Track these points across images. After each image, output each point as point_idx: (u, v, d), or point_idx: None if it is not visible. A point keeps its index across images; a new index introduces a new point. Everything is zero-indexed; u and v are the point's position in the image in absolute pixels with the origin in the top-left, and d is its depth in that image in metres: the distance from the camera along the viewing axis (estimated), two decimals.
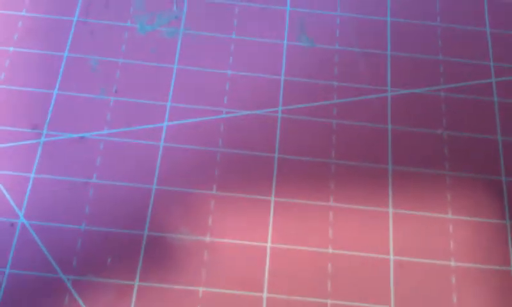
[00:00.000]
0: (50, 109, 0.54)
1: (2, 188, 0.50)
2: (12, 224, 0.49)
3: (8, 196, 0.50)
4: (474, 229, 0.53)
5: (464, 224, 0.53)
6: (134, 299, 0.47)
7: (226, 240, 0.50)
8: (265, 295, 0.48)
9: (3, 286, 0.47)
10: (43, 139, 0.53)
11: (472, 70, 0.60)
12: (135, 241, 0.49)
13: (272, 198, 0.52)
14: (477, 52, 0.61)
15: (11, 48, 0.57)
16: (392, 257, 0.51)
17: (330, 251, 0.51)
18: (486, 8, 0.64)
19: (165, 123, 0.55)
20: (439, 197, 0.54)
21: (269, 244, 0.50)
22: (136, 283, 0.48)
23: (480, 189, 0.54)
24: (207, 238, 0.50)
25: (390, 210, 0.53)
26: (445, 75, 0.60)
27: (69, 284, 0.47)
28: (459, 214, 0.53)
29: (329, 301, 0.49)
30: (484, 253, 0.52)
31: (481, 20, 0.63)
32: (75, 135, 0.53)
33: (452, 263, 0.51)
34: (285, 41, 0.60)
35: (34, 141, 0.53)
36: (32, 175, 0.51)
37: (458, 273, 0.51)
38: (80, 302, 0.47)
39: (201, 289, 0.48)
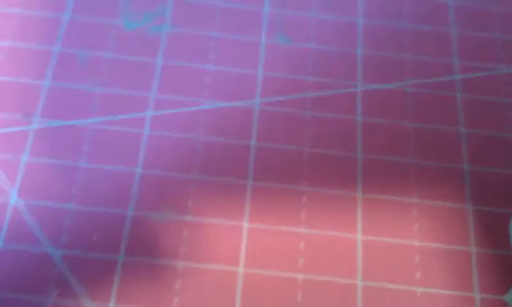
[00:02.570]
0: (42, 98, 0.58)
1: None
2: (4, 203, 0.52)
3: (2, 177, 0.53)
4: (437, 213, 0.57)
5: (427, 208, 0.57)
6: (118, 272, 0.51)
7: (205, 220, 0.54)
8: (241, 269, 0.52)
9: None
10: (34, 125, 0.56)
11: (436, 68, 0.65)
12: (120, 220, 0.53)
13: (249, 182, 0.56)
14: (441, 50, 0.66)
15: (6, 42, 0.61)
16: (359, 236, 0.55)
17: (302, 230, 0.54)
18: (450, 9, 0.69)
19: (149, 113, 0.58)
20: (404, 183, 0.58)
21: (245, 224, 0.54)
22: (120, 257, 0.51)
23: (443, 176, 0.59)
24: (187, 218, 0.54)
25: (359, 195, 0.57)
26: (411, 72, 0.64)
27: (58, 259, 0.50)
28: (424, 199, 0.57)
29: (300, 276, 0.52)
30: (446, 235, 0.56)
31: (447, 22, 0.68)
32: (64, 123, 0.57)
33: (416, 243, 0.55)
34: (263, 39, 0.64)
35: (26, 128, 0.56)
36: (24, 158, 0.55)
37: (421, 252, 0.55)
38: (69, 274, 0.50)
39: (180, 263, 0.52)
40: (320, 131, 0.60)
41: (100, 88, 0.59)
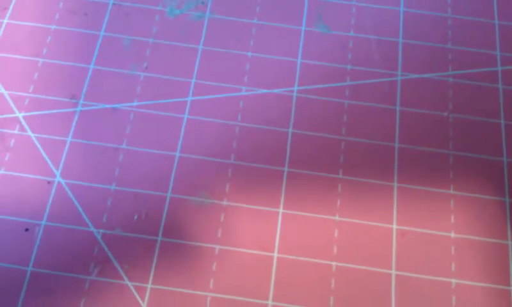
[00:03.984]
0: (87, 81, 0.60)
1: (42, 150, 0.56)
2: (49, 182, 0.54)
3: (46, 157, 0.55)
4: (474, 205, 0.56)
5: (465, 200, 0.56)
6: (156, 253, 0.52)
7: (241, 205, 0.55)
8: (275, 254, 0.53)
9: (39, 237, 0.52)
10: (79, 108, 0.58)
11: (479, 59, 0.63)
12: (159, 202, 0.54)
13: (286, 169, 0.57)
14: (484, 41, 0.64)
15: (53, 27, 0.63)
16: (394, 226, 0.55)
17: (337, 218, 0.55)
18: (495, 1, 0.67)
19: (189, 98, 0.59)
20: (442, 174, 0.57)
21: (280, 210, 0.55)
22: (159, 238, 0.53)
23: (482, 169, 0.58)
24: (224, 202, 0.55)
25: (395, 185, 0.57)
26: (453, 63, 0.63)
27: (99, 237, 0.52)
28: (461, 191, 0.56)
29: (334, 263, 0.53)
30: (483, 228, 0.55)
31: (490, 13, 0.66)
32: (108, 106, 0.59)
33: (452, 235, 0.55)
34: (303, 27, 0.64)
35: (71, 110, 0.58)
36: (69, 139, 0.57)
37: (457, 244, 0.54)
38: (109, 253, 0.52)
39: (217, 247, 0.53)
40: (358, 119, 0.59)
41: (143, 72, 0.61)
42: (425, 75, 0.62)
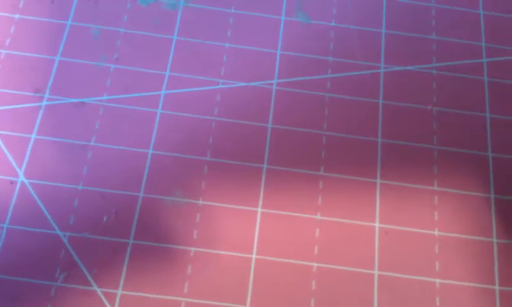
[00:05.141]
0: (53, 74, 0.56)
1: (4, 147, 0.53)
2: (12, 182, 0.51)
3: (8, 155, 0.52)
4: (458, 202, 0.54)
5: (449, 196, 0.54)
6: (127, 256, 0.49)
7: (218, 204, 0.52)
8: (254, 256, 0.50)
9: (2, 240, 0.49)
10: (44, 102, 0.55)
11: (463, 50, 0.62)
12: (131, 202, 0.51)
13: (265, 166, 0.54)
14: (469, 32, 0.63)
15: (17, 16, 0.59)
16: (377, 225, 0.53)
17: (319, 217, 0.53)
18: None
19: (163, 91, 0.57)
20: (426, 170, 0.56)
21: (259, 209, 0.52)
22: (130, 241, 0.50)
23: (467, 164, 0.56)
24: (200, 202, 0.52)
25: (378, 181, 0.55)
26: (437, 54, 0.61)
27: (65, 241, 0.49)
28: (445, 187, 0.55)
29: (315, 264, 0.51)
30: (468, 225, 0.53)
31: (475, 3, 0.64)
32: (75, 100, 0.55)
33: (436, 233, 0.53)
34: (283, 17, 0.62)
35: (36, 104, 0.55)
36: (33, 136, 0.53)
37: (442, 242, 0.53)
38: (76, 257, 0.49)
39: (193, 249, 0.50)
40: (340, 113, 0.57)
41: (113, 64, 0.58)
42: (409, 67, 0.60)
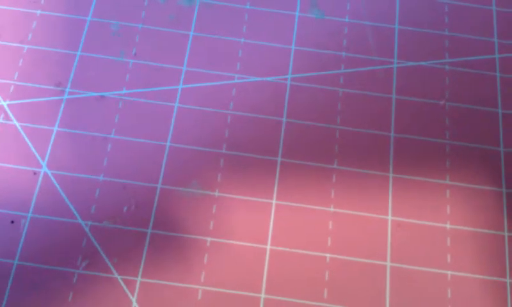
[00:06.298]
0: (74, 68, 0.58)
1: (27, 139, 0.54)
2: (35, 173, 0.53)
3: (32, 147, 0.54)
4: (470, 196, 0.55)
5: (461, 190, 0.55)
6: (146, 245, 0.51)
7: (233, 196, 0.53)
8: (268, 247, 0.52)
9: (25, 230, 0.50)
10: (66, 96, 0.56)
11: (476, 46, 0.62)
12: (149, 193, 0.53)
13: (279, 159, 0.55)
14: (482, 28, 0.63)
15: (38, 12, 0.61)
16: (390, 217, 0.54)
17: (332, 209, 0.54)
18: None
19: (180, 86, 0.58)
20: (438, 164, 0.56)
21: (274, 201, 0.54)
22: (149, 230, 0.51)
23: (479, 158, 0.57)
24: (216, 193, 0.53)
25: (391, 175, 0.56)
26: (450, 50, 0.62)
27: (87, 230, 0.51)
28: (457, 181, 0.56)
29: (328, 255, 0.52)
30: (479, 219, 0.54)
31: None
32: (96, 94, 0.57)
33: (448, 226, 0.54)
34: (297, 13, 0.63)
35: (57, 98, 0.56)
36: (55, 128, 0.55)
37: (453, 235, 0.53)
38: (97, 246, 0.50)
39: (209, 239, 0.52)
40: (353, 108, 0.58)
41: (132, 59, 0.59)
42: (422, 63, 0.61)
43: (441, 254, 0.52)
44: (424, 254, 0.52)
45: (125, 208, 0.52)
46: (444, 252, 0.53)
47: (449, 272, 0.52)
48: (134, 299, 0.49)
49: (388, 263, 0.52)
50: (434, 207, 0.54)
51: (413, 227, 0.53)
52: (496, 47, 0.62)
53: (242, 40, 0.61)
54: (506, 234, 0.54)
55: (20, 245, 0.50)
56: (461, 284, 0.51)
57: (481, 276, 0.52)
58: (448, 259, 0.52)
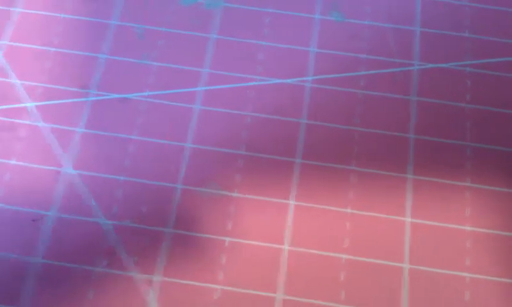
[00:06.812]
0: (98, 71, 0.60)
1: (54, 139, 0.56)
2: (60, 173, 0.54)
3: (58, 147, 0.56)
4: (490, 198, 0.55)
5: (481, 192, 0.55)
6: (166, 245, 0.52)
7: (252, 196, 0.54)
8: (286, 247, 0.52)
9: (50, 228, 0.52)
10: (91, 98, 0.58)
11: (497, 48, 0.62)
12: (169, 193, 0.54)
13: (298, 160, 0.56)
14: (503, 30, 0.63)
15: (64, 15, 0.63)
16: (408, 219, 0.54)
17: (349, 210, 0.54)
18: None
19: (201, 88, 0.59)
20: (458, 166, 0.56)
21: (292, 202, 0.54)
22: (169, 230, 0.52)
23: (500, 160, 0.56)
24: (235, 194, 0.54)
25: (409, 176, 0.56)
26: (471, 52, 0.62)
27: (109, 229, 0.52)
28: (477, 183, 0.55)
29: (344, 256, 0.52)
30: (499, 221, 0.54)
31: (509, 1, 0.65)
32: (119, 96, 0.58)
33: (467, 228, 0.53)
34: (317, 16, 0.63)
35: (83, 99, 0.58)
36: (80, 130, 0.57)
37: (472, 237, 0.53)
38: (118, 245, 0.52)
39: (227, 239, 0.52)
40: (373, 110, 0.58)
41: (155, 62, 0.60)
42: (442, 65, 0.61)
43: (460, 257, 0.52)
44: (443, 256, 0.52)
45: (146, 208, 0.53)
46: (463, 254, 0.52)
47: (467, 275, 0.51)
48: (153, 297, 0.50)
49: (406, 265, 0.52)
50: (453, 209, 0.54)
51: (432, 229, 0.53)
52: None
53: (264, 43, 0.62)
54: None
55: (44, 244, 0.52)
56: (480, 287, 0.51)
57: (500, 279, 0.51)
58: (467, 262, 0.52)
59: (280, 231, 0.53)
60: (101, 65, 0.60)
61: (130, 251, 0.51)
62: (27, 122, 0.57)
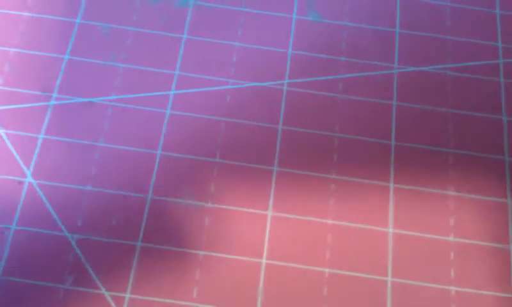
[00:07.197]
0: (61, 73, 0.56)
1: (12, 148, 0.52)
2: (20, 183, 0.50)
3: (16, 156, 0.52)
4: (475, 206, 0.53)
5: (464, 201, 0.53)
6: (135, 259, 0.49)
7: (227, 207, 0.51)
8: (264, 261, 0.50)
9: (9, 242, 0.48)
10: (52, 102, 0.54)
11: (479, 51, 0.60)
12: (139, 204, 0.51)
13: (275, 168, 0.53)
14: (485, 33, 0.61)
15: (26, 13, 0.59)
16: (391, 230, 0.52)
17: (330, 221, 0.52)
18: None
19: (172, 91, 0.56)
20: (441, 173, 0.54)
21: (269, 212, 0.51)
22: (138, 243, 0.49)
23: (483, 168, 0.55)
24: (209, 204, 0.51)
25: (391, 185, 0.54)
26: (452, 55, 0.60)
27: (73, 243, 0.49)
28: (461, 191, 0.54)
29: (326, 270, 0.50)
30: (484, 231, 0.52)
31: (491, 2, 0.63)
32: (84, 100, 0.55)
33: (451, 239, 0.52)
34: (294, 16, 0.61)
35: (44, 104, 0.54)
36: (41, 136, 0.53)
37: (457, 248, 0.51)
38: (84, 260, 0.48)
39: (201, 253, 0.49)
40: (352, 115, 0.56)
41: (122, 64, 0.57)
42: (423, 68, 0.59)
43: (444, 269, 0.51)
44: (427, 268, 0.50)
45: (114, 221, 0.50)
46: (447, 266, 0.51)
47: (453, 288, 0.50)
48: None
49: (389, 278, 0.50)
50: (436, 219, 0.52)
51: (415, 240, 0.51)
52: (501, 52, 0.60)
53: (237, 44, 0.59)
54: (511, 247, 0.52)
55: (4, 258, 0.48)
56: (465, 300, 0.49)
57: (487, 292, 0.50)
58: (452, 274, 0.50)
59: (257, 243, 0.50)
60: (64, 66, 0.56)
61: (97, 266, 0.48)
62: None
